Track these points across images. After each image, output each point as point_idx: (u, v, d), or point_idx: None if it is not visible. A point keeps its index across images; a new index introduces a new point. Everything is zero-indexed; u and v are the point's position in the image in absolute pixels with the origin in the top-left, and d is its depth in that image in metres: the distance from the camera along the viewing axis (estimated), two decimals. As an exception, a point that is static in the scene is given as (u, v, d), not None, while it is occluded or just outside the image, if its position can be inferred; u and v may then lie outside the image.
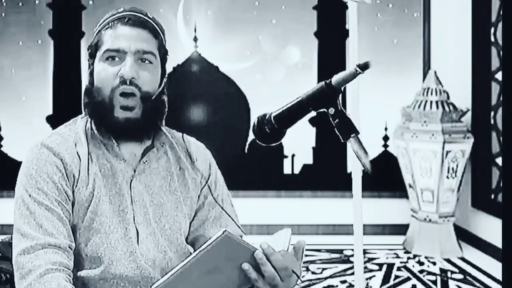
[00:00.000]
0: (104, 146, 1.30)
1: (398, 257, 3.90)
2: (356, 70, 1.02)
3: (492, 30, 3.87)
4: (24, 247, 1.16)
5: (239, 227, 1.43)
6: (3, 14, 4.46)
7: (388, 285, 3.40)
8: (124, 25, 1.29)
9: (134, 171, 1.31)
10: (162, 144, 1.37)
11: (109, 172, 1.28)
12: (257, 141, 1.19)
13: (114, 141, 1.30)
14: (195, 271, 1.06)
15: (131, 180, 1.30)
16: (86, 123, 1.33)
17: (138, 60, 1.28)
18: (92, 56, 1.32)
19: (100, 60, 1.29)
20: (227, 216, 1.42)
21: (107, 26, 1.30)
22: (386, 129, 4.46)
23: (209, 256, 1.06)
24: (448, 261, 3.80)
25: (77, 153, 1.27)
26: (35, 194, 1.21)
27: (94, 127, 1.32)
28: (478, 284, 3.40)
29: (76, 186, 1.25)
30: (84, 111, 1.34)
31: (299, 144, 4.38)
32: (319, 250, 3.88)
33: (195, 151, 1.43)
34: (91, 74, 1.31)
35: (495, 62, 3.86)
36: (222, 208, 1.42)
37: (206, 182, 1.42)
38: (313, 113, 1.12)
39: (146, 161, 1.33)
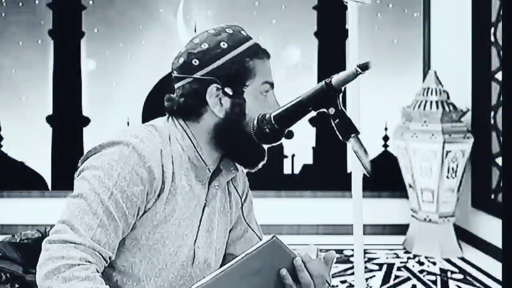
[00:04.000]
0: (194, 169, 1.25)
1: (398, 257, 3.90)
2: (356, 70, 1.02)
3: (492, 30, 3.87)
4: (68, 239, 1.08)
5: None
6: (3, 14, 4.46)
7: (388, 285, 3.40)
8: (268, 58, 1.28)
9: (207, 195, 1.29)
10: (224, 166, 1.33)
11: (187, 196, 1.24)
12: (257, 141, 1.19)
13: (209, 166, 1.26)
14: (238, 273, 1.08)
15: (204, 205, 1.28)
16: (182, 139, 1.25)
17: None
18: (230, 83, 1.22)
19: (255, 92, 1.24)
20: (254, 235, 1.45)
21: (254, 55, 1.24)
22: (386, 129, 4.46)
23: (254, 259, 1.08)
24: (448, 261, 3.80)
25: (164, 169, 1.18)
26: (105, 197, 1.12)
27: (197, 147, 1.25)
28: (478, 284, 3.40)
29: (154, 203, 1.18)
30: (219, 137, 1.25)
31: (299, 144, 4.38)
32: (319, 250, 3.88)
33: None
34: (237, 103, 1.22)
35: (495, 62, 3.86)
36: (250, 227, 1.44)
37: (243, 203, 1.43)
38: (313, 113, 1.12)
39: (217, 185, 1.30)
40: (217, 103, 1.22)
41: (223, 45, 1.23)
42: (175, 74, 1.28)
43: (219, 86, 1.22)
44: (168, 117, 1.29)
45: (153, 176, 1.15)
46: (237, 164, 1.35)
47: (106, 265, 1.15)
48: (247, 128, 1.22)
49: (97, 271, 1.10)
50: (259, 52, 1.25)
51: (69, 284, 1.04)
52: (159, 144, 1.19)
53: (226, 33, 1.25)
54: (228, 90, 1.21)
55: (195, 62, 1.23)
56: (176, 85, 1.28)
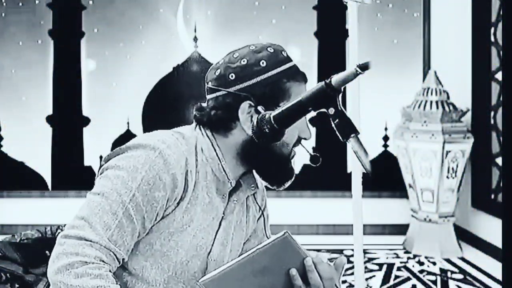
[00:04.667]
0: (215, 181, 1.25)
1: (398, 257, 3.90)
2: (356, 71, 1.01)
3: (492, 30, 3.87)
4: (84, 236, 1.08)
5: None
6: (3, 14, 4.46)
7: (388, 285, 3.40)
8: (304, 82, 1.27)
9: (225, 208, 1.29)
10: (244, 182, 1.34)
11: (206, 207, 1.24)
12: (257, 141, 1.19)
13: (231, 181, 1.26)
14: (247, 269, 1.07)
15: (222, 218, 1.28)
16: (208, 151, 1.25)
17: None
18: (264, 102, 1.21)
19: None
20: (262, 235, 1.45)
21: (291, 77, 1.24)
22: (386, 129, 4.46)
23: (264, 255, 1.08)
24: (448, 261, 3.80)
25: (187, 177, 1.18)
26: (127, 199, 1.12)
27: (222, 160, 1.25)
28: (478, 284, 3.40)
29: (173, 211, 1.18)
30: (246, 154, 1.25)
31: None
32: (319, 250, 3.88)
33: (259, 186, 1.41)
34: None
35: (495, 62, 3.86)
36: (265, 239, 1.45)
37: (260, 216, 1.44)
38: (313, 113, 1.12)
39: (236, 200, 1.31)
40: (248, 120, 1.22)
41: (262, 63, 1.22)
42: (209, 85, 1.27)
43: (252, 104, 1.21)
44: (195, 126, 1.28)
45: (176, 183, 1.15)
46: (257, 181, 1.35)
47: (119, 265, 1.15)
48: (275, 148, 1.23)
49: (110, 271, 1.10)
50: (296, 75, 1.25)
51: (81, 280, 1.04)
52: (185, 153, 1.19)
53: (267, 52, 1.24)
54: (261, 109, 1.21)
55: (231, 76, 1.22)
56: (209, 96, 1.27)
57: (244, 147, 1.24)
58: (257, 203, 1.41)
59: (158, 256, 1.20)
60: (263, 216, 1.45)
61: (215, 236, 1.27)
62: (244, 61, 1.23)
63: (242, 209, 1.36)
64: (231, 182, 1.27)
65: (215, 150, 1.25)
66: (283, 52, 1.27)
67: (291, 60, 1.27)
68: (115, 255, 1.11)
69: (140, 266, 1.21)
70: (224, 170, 1.25)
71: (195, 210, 1.21)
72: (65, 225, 1.15)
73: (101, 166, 1.21)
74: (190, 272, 1.24)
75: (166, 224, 1.19)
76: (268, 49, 1.25)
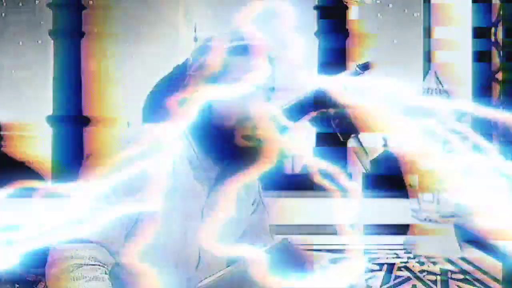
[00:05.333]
0: (193, 169, 1.25)
1: (398, 257, 3.90)
2: (356, 70, 1.02)
3: (493, 30, 3.86)
4: (75, 237, 1.09)
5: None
6: (3, 14, 4.46)
7: (388, 285, 3.40)
8: (250, 55, 1.28)
9: (207, 197, 1.28)
10: (228, 173, 1.31)
11: (187, 194, 1.24)
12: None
13: (206, 167, 1.26)
14: (247, 273, 1.07)
15: (205, 208, 1.27)
16: (181, 138, 1.24)
17: None
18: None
19: None
20: (260, 230, 1.45)
21: (233, 53, 1.25)
22: (386, 129, 4.46)
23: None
24: (449, 261, 3.80)
25: (166, 165, 1.19)
26: (111, 192, 1.13)
27: (196, 148, 1.25)
28: (478, 284, 3.39)
29: (156, 200, 1.19)
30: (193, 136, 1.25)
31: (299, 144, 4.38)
32: (319, 250, 3.88)
33: None
34: None
35: (495, 62, 3.85)
36: (261, 236, 1.44)
37: (254, 211, 1.43)
38: (313, 113, 1.12)
39: (220, 191, 1.28)
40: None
41: (209, 42, 1.28)
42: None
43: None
44: None
45: (154, 171, 1.16)
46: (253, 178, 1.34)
47: (114, 260, 1.16)
48: (214, 124, 1.22)
49: (106, 273, 1.11)
50: (239, 49, 1.26)
51: (78, 283, 1.05)
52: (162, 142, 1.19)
53: (222, 35, 1.29)
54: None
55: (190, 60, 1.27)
56: None
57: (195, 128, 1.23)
58: (248, 198, 1.40)
59: (149, 247, 1.20)
60: (259, 211, 1.44)
61: (202, 225, 1.26)
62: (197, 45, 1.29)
63: (235, 202, 1.35)
64: (205, 169, 1.25)
65: (186, 137, 1.24)
66: (237, 33, 1.27)
67: (243, 39, 1.26)
68: (108, 250, 1.12)
69: (131, 260, 1.20)
70: (197, 157, 1.24)
71: (175, 197, 1.21)
72: None
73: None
74: (182, 263, 1.24)
75: (150, 214, 1.19)
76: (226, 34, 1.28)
